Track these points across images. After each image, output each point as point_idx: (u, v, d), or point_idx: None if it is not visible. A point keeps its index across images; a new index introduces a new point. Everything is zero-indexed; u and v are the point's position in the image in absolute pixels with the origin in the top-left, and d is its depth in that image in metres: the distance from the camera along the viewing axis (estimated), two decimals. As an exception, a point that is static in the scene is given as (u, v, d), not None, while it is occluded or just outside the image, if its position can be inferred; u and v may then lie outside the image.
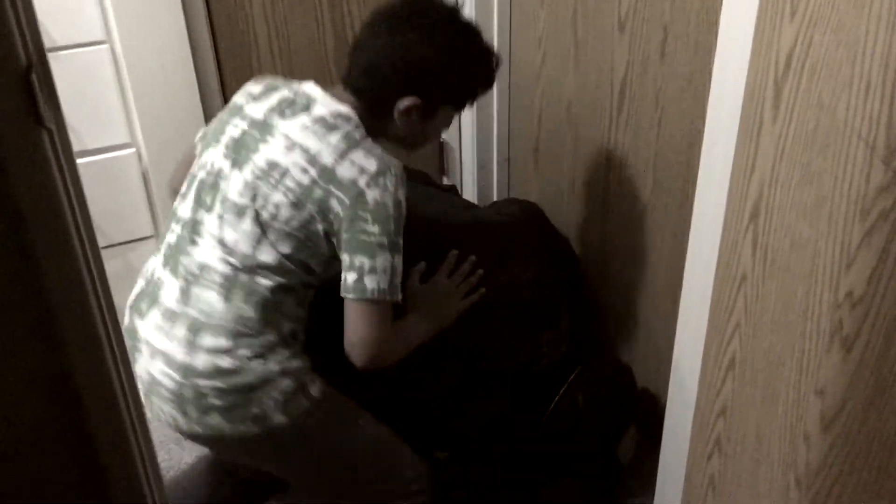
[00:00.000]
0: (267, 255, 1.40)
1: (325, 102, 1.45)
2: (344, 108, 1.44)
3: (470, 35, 1.51)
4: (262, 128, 1.44)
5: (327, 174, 1.39)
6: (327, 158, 1.39)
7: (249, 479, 1.77)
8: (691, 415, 1.45)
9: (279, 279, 1.41)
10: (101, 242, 2.14)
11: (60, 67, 1.94)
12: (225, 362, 1.39)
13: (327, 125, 1.42)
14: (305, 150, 1.40)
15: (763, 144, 1.13)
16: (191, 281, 1.43)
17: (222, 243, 1.41)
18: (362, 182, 1.38)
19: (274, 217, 1.40)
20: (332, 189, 1.38)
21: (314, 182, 1.39)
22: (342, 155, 1.39)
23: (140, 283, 1.53)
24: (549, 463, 1.80)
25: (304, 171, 1.39)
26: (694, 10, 1.51)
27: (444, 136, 2.36)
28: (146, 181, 2.16)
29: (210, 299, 1.41)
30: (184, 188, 1.51)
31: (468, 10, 2.13)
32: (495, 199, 2.39)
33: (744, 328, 1.27)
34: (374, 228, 1.37)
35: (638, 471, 1.87)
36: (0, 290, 0.81)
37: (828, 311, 1.07)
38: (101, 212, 2.12)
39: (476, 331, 1.68)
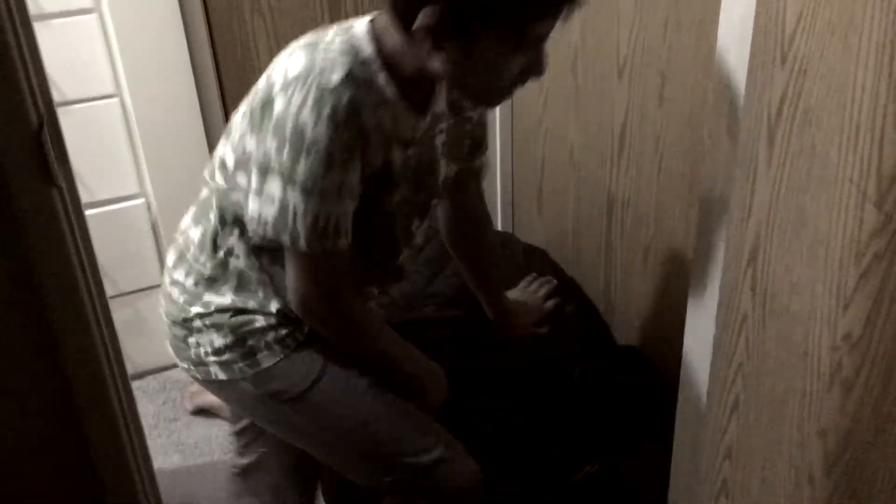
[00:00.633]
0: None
1: (349, 31, 1.22)
2: (360, 32, 1.20)
3: None
4: None
5: (267, 81, 1.21)
6: (277, 69, 1.20)
7: None
8: (698, 456, 1.45)
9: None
10: (112, 291, 2.17)
11: (72, 121, 1.98)
12: None
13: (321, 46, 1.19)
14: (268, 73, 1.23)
15: (759, 189, 1.15)
16: None
17: None
18: (277, 87, 1.16)
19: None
20: (262, 95, 1.20)
21: (255, 93, 1.23)
22: (289, 55, 1.20)
23: None
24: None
25: (255, 90, 1.25)
26: (690, 56, 1.54)
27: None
28: (155, 231, 2.19)
29: None
30: None
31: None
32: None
33: (746, 369, 1.27)
34: (271, 146, 1.16)
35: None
36: (11, 338, 0.83)
37: (827, 352, 1.08)
38: (112, 261, 2.15)
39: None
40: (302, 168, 1.14)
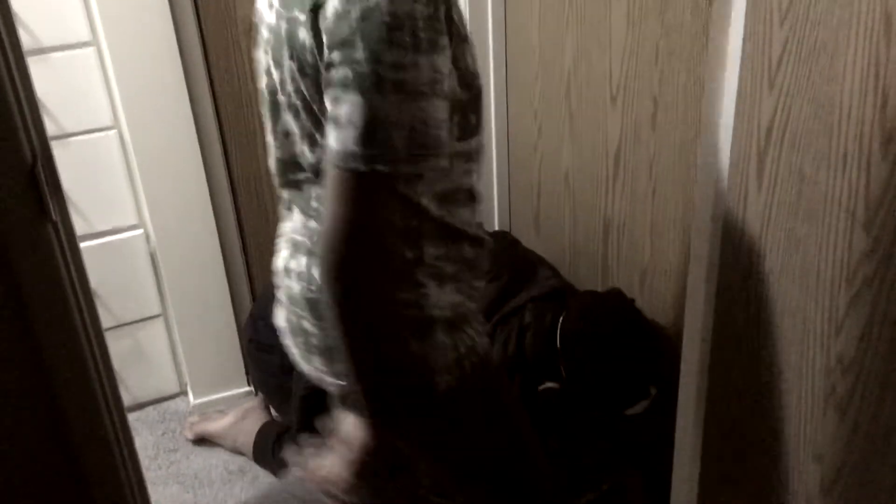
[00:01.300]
0: None
1: None
2: None
3: None
4: None
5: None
6: None
7: None
8: (696, 485, 1.44)
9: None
10: (111, 322, 2.18)
11: (70, 153, 2.00)
12: None
13: None
14: None
15: (750, 212, 1.15)
16: None
17: None
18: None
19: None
20: (295, 12, 0.95)
21: (278, 15, 0.99)
22: None
23: None
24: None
25: (270, 4, 1.02)
26: (681, 82, 1.56)
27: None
28: (154, 261, 2.20)
29: None
30: None
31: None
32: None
33: (743, 393, 1.27)
34: (335, 56, 0.89)
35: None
36: (5, 372, 0.83)
37: (821, 375, 1.09)
38: (111, 292, 2.16)
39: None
40: (388, 57, 0.87)
